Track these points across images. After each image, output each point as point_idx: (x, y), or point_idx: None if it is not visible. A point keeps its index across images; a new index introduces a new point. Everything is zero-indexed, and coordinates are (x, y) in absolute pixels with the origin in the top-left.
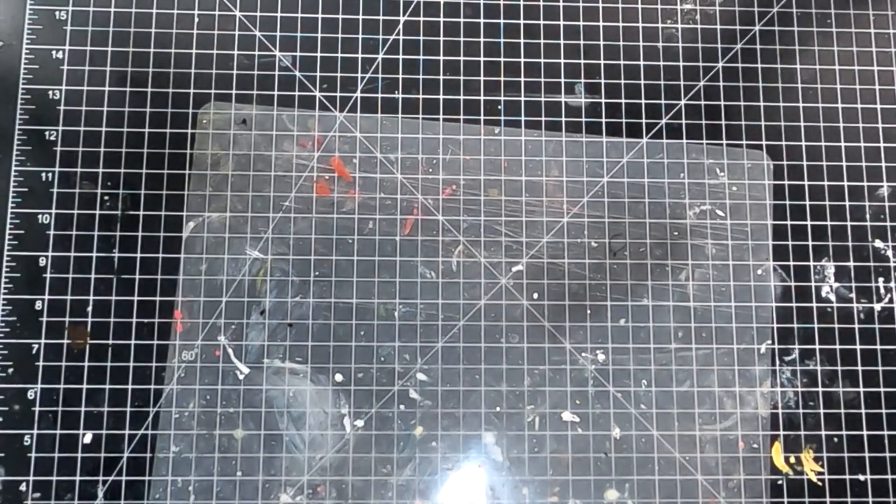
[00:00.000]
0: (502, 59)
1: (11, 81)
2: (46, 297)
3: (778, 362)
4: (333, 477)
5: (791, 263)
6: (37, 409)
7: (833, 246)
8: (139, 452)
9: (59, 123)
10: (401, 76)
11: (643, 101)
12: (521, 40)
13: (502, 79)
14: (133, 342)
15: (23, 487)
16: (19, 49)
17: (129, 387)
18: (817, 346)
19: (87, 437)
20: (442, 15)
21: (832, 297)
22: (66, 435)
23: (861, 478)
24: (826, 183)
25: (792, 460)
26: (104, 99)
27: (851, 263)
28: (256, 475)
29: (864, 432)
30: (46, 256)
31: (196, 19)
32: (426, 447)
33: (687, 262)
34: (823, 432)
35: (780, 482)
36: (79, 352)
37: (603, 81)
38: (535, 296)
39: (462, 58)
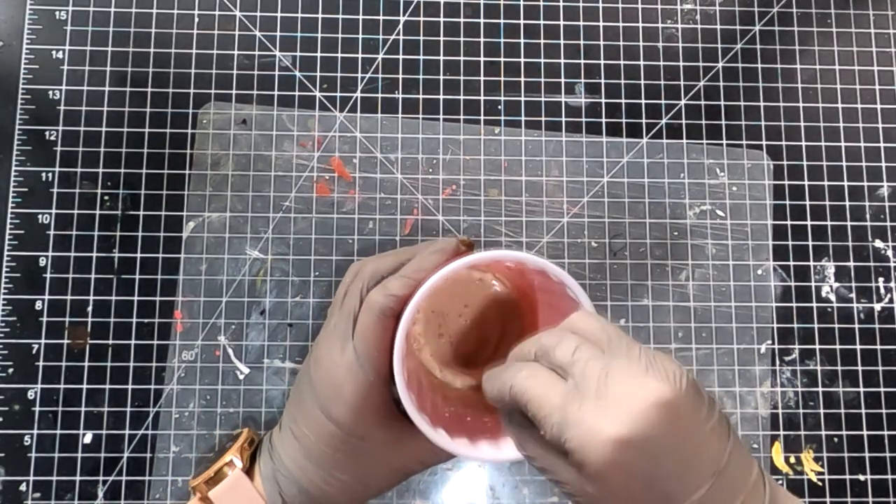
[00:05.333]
0: (502, 59)
1: (11, 81)
2: (46, 297)
3: (778, 362)
4: None
5: (791, 263)
6: (37, 409)
7: (833, 246)
8: (139, 452)
9: (59, 123)
10: (401, 76)
11: (643, 101)
12: (521, 40)
13: (502, 79)
14: (133, 342)
15: (23, 487)
16: (19, 49)
17: (129, 387)
18: (817, 346)
19: (87, 437)
20: (442, 15)
21: (832, 297)
22: (66, 435)
23: (861, 478)
24: (826, 183)
25: (792, 460)
26: (104, 99)
27: (851, 263)
28: None
29: (864, 432)
30: (46, 256)
31: (196, 19)
32: None
33: (687, 262)
34: (823, 432)
35: (780, 482)
36: (79, 352)
37: (603, 81)
38: None
39: (462, 58)
